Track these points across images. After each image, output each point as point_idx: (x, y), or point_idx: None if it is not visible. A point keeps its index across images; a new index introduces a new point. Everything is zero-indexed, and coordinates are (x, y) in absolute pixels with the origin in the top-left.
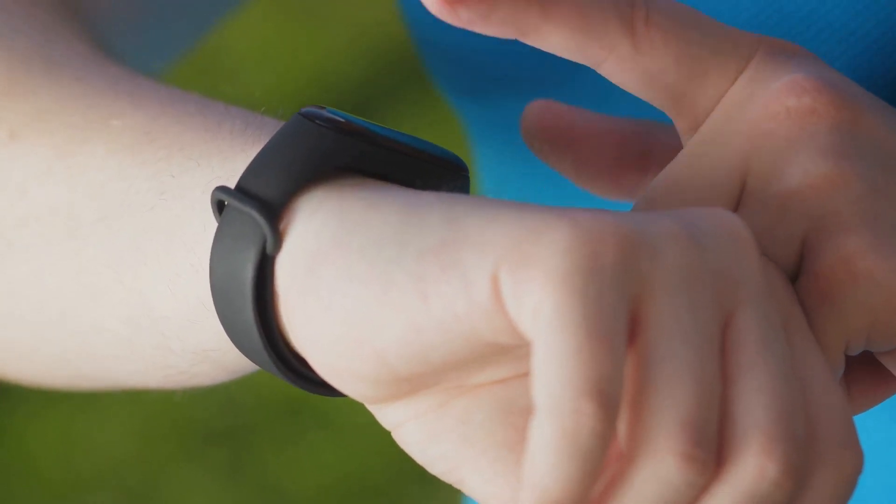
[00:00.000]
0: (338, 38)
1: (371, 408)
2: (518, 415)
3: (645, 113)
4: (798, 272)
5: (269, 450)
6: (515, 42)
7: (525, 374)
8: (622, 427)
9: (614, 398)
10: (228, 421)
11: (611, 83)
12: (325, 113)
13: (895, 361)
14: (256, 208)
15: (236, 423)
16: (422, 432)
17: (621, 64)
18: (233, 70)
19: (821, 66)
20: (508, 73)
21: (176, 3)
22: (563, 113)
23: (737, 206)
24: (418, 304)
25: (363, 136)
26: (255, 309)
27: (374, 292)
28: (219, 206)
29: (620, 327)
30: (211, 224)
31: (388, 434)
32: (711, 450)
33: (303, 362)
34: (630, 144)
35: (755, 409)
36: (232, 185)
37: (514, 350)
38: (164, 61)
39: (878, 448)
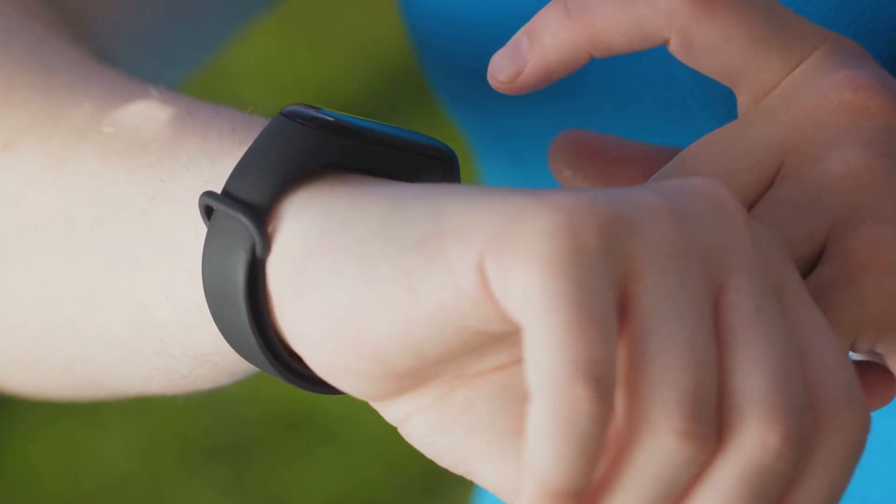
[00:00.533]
0: (340, 54)
1: (374, 405)
2: (522, 401)
3: (655, 123)
4: (818, 258)
5: (271, 465)
6: None
7: (522, 360)
8: (619, 408)
9: (608, 380)
10: (231, 436)
11: (614, 93)
12: (306, 111)
13: None
14: (243, 212)
15: (239, 438)
16: (427, 425)
17: (684, 37)
18: (235, 86)
19: (880, 70)
20: None
21: (184, 20)
22: (597, 141)
23: (770, 182)
24: (407, 299)
25: (346, 131)
26: (249, 312)
27: (363, 289)
28: (207, 211)
29: (609, 307)
30: (202, 228)
31: (391, 448)
32: (711, 425)
33: (301, 362)
34: None
35: (752, 380)
36: (220, 188)
37: (508, 337)
38: (170, 77)
39: (880, 450)
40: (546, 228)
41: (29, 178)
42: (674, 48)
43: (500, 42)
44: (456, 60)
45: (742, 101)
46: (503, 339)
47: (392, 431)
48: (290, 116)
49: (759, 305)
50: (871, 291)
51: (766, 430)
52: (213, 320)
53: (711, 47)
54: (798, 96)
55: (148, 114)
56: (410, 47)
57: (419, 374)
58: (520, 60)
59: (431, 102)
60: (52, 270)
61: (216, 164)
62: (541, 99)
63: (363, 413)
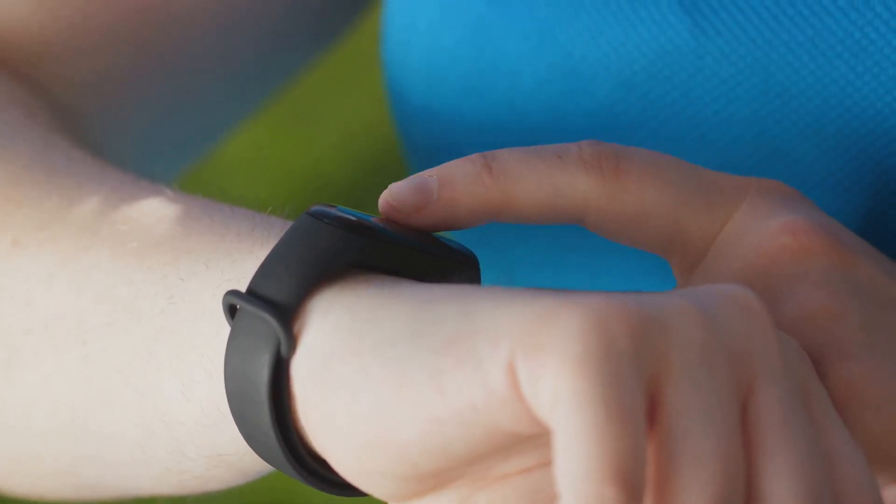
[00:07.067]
0: (328, 143)
1: None
2: None
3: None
4: None
5: None
6: (499, 143)
7: (547, 463)
8: None
9: (638, 480)
10: None
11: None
12: (332, 211)
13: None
14: (269, 312)
15: None
16: None
17: (601, 215)
18: (225, 176)
19: (813, 208)
20: None
21: (178, 117)
22: None
23: None
24: (436, 398)
25: (371, 232)
26: (271, 412)
27: (390, 389)
28: (230, 310)
29: (639, 408)
30: (223, 328)
31: None
32: None
33: (321, 463)
34: None
35: (782, 489)
36: (242, 287)
37: (534, 439)
38: (164, 172)
39: None
40: (577, 329)
41: (39, 277)
42: (593, 227)
43: (483, 141)
44: (441, 157)
45: (676, 265)
46: (529, 441)
47: None
48: (315, 216)
49: (788, 412)
50: (855, 426)
51: None
52: (232, 420)
53: (632, 221)
54: (738, 251)
55: (161, 213)
56: (396, 137)
57: (443, 474)
58: (424, 198)
59: None
60: (61, 370)
61: (236, 265)
62: None
63: None
